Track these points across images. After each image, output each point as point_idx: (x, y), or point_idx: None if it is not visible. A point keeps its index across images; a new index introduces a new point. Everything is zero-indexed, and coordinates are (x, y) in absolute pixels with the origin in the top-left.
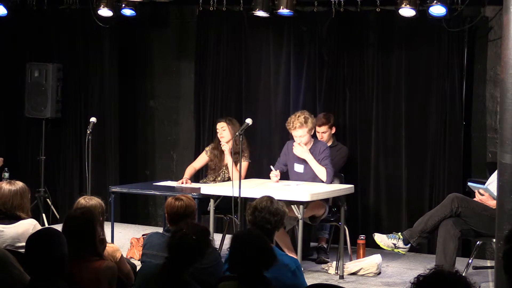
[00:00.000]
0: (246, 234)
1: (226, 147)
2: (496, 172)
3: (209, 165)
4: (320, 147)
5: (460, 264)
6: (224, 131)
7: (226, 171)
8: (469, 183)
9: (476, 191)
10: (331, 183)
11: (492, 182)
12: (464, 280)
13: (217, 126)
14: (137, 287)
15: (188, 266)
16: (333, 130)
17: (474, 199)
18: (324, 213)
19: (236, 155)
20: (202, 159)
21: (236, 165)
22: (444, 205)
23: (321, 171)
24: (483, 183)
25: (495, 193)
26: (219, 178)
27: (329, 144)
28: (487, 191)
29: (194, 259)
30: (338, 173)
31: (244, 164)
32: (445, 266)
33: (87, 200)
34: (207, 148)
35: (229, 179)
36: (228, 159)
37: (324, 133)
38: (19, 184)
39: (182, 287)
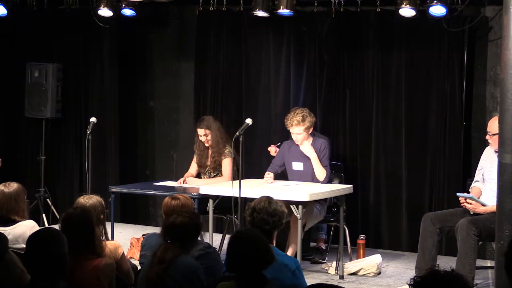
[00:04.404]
0: (244, 233)
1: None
2: (477, 171)
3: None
4: (320, 144)
5: None
6: (207, 137)
7: (211, 170)
8: (457, 194)
9: (464, 200)
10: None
11: (478, 181)
12: (461, 279)
13: (198, 132)
14: None
15: (184, 243)
16: None
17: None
18: (317, 219)
19: (222, 153)
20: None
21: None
22: (426, 232)
23: (321, 173)
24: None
25: (482, 200)
26: (205, 176)
27: None
28: (473, 199)
29: (188, 236)
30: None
31: (229, 160)
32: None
33: (87, 200)
34: (195, 150)
35: (215, 177)
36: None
37: None
38: (13, 187)
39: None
